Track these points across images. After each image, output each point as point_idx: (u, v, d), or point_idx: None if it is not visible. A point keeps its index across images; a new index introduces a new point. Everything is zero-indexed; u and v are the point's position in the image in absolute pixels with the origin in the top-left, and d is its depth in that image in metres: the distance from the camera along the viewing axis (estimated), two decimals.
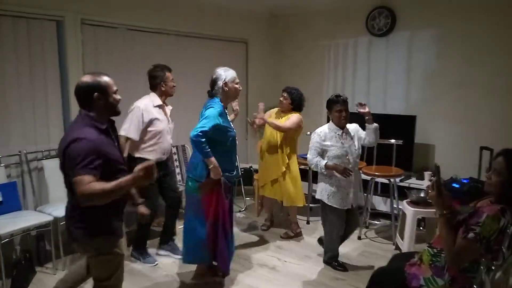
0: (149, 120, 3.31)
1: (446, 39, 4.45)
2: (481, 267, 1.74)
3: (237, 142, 3.12)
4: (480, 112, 4.28)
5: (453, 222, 1.98)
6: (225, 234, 3.04)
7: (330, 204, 3.26)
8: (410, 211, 3.51)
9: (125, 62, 4.30)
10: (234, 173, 3.13)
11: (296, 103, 3.91)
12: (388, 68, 4.93)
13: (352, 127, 3.36)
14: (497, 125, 4.17)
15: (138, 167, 1.91)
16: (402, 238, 3.63)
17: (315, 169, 3.36)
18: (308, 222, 4.50)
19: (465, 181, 4.05)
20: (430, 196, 2.08)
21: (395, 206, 4.06)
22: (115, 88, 2.09)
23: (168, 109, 3.56)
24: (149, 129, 3.33)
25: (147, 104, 3.34)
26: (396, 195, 4.04)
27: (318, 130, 3.33)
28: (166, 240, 3.70)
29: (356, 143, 3.31)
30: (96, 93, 2.00)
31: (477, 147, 4.10)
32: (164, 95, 3.45)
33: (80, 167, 1.85)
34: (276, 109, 4.06)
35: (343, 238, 3.50)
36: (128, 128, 3.27)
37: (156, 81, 3.39)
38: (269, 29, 5.97)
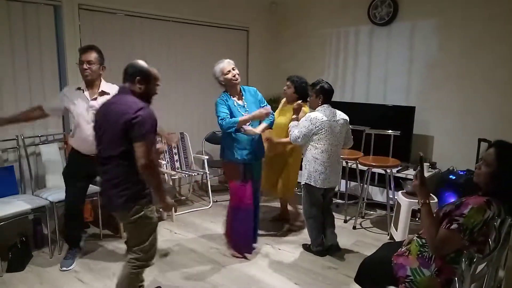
0: (66, 101, 3.11)
1: (448, 30, 4.39)
2: (463, 259, 1.74)
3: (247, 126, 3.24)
4: (480, 104, 4.24)
5: (440, 213, 1.98)
6: (252, 215, 3.37)
7: None
8: (404, 202, 3.51)
9: (123, 48, 4.28)
10: (247, 155, 3.25)
11: (299, 91, 3.78)
12: (389, 58, 4.88)
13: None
14: (496, 117, 4.13)
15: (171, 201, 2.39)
16: (396, 229, 3.63)
17: None
18: None
19: (462, 173, 4.04)
20: (413, 185, 2.11)
21: (391, 196, 4.05)
22: (158, 81, 2.36)
23: (102, 97, 3.05)
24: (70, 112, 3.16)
25: (72, 86, 3.22)
26: (392, 185, 4.03)
27: None
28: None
29: None
30: (139, 77, 2.25)
31: (475, 139, 4.07)
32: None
33: (147, 134, 2.12)
34: (283, 100, 3.95)
35: None
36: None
37: None
38: (270, 17, 5.91)
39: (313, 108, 3.37)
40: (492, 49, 4.10)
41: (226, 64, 3.21)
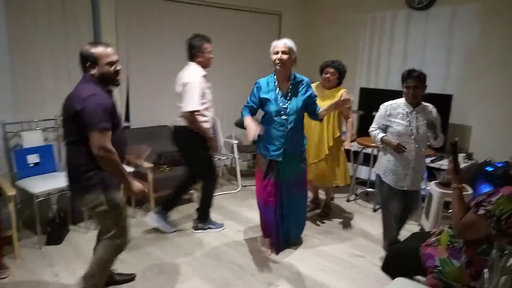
0: (203, 91, 3.26)
1: (489, 16, 4.16)
2: (494, 250, 1.70)
3: (280, 119, 2.98)
4: None
5: (472, 203, 1.95)
6: (274, 213, 3.16)
7: (384, 180, 3.12)
8: (436, 193, 3.43)
9: (158, 32, 4.35)
10: (273, 152, 3.02)
11: (342, 77, 3.70)
12: (427, 44, 4.70)
13: (433, 110, 3.11)
14: None
15: (139, 187, 2.31)
16: (428, 219, 3.56)
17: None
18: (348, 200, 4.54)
19: (500, 165, 3.88)
20: (447, 170, 2.14)
21: (423, 187, 3.95)
22: (109, 59, 2.18)
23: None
24: (201, 100, 3.26)
25: (199, 75, 3.25)
26: (425, 175, 3.93)
27: (387, 103, 3.13)
28: (167, 208, 3.58)
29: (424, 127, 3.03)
30: (89, 63, 2.17)
31: None
32: (201, 65, 3.32)
33: (99, 121, 2.07)
34: (314, 85, 3.67)
35: (400, 222, 3.24)
36: (192, 102, 3.18)
37: (193, 51, 3.29)
38: (303, 1, 5.81)
39: (419, 99, 3.08)
40: None
41: (279, 44, 2.97)
